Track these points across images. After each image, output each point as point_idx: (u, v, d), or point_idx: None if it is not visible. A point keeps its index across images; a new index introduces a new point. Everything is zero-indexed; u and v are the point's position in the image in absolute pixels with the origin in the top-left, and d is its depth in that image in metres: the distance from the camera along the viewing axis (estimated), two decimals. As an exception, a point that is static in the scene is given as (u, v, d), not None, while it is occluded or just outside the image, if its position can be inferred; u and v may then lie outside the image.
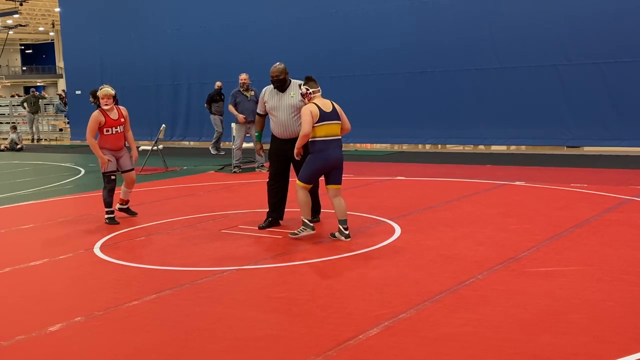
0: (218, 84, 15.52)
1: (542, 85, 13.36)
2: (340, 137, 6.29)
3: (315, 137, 6.15)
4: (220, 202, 8.59)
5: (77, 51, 21.15)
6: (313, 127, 6.09)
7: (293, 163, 6.77)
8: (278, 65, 6.81)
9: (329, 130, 6.18)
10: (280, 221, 6.92)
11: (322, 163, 6.18)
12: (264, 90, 6.96)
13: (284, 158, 6.79)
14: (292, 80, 6.89)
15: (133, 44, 19.55)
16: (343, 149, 6.44)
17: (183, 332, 3.97)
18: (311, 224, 6.24)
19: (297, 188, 6.27)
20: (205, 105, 15.63)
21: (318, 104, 6.19)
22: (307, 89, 6.28)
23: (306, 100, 6.28)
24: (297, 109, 6.67)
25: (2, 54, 42.08)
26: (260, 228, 6.75)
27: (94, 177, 11.86)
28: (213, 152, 15.54)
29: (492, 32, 13.79)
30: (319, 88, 6.32)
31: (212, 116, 15.50)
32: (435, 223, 6.71)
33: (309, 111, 6.13)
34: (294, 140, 6.46)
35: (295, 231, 6.30)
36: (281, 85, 6.78)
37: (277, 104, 6.78)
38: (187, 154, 15.73)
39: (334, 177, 6.26)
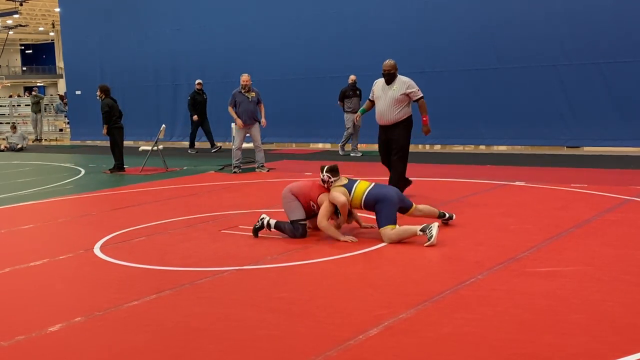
0: (352, 77, 13.98)
1: (542, 85, 13.36)
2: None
3: (364, 192, 6.12)
4: (220, 202, 8.58)
5: (77, 51, 21.15)
6: (354, 195, 6.12)
7: (394, 149, 8.00)
8: (390, 60, 7.99)
9: (364, 183, 6.24)
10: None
11: (394, 202, 6.09)
12: (375, 81, 8.23)
13: (385, 143, 8.13)
14: (399, 76, 7.99)
15: (133, 44, 19.56)
16: (344, 149, 6.45)
17: (183, 332, 3.96)
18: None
19: (387, 237, 5.93)
20: (338, 102, 14.07)
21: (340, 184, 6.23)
22: (329, 177, 6.22)
23: (326, 186, 6.23)
24: (395, 101, 7.89)
25: (2, 54, 42.09)
26: None
27: (93, 178, 11.88)
28: (341, 152, 13.98)
29: (492, 32, 13.80)
30: (340, 177, 6.30)
31: (345, 114, 13.96)
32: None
33: (334, 199, 6.07)
34: (390, 126, 7.98)
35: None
36: (390, 79, 7.96)
37: (381, 94, 8.02)
38: (187, 154, 15.73)
39: (404, 206, 6.29)
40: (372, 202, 6.07)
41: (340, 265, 5.38)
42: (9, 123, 23.45)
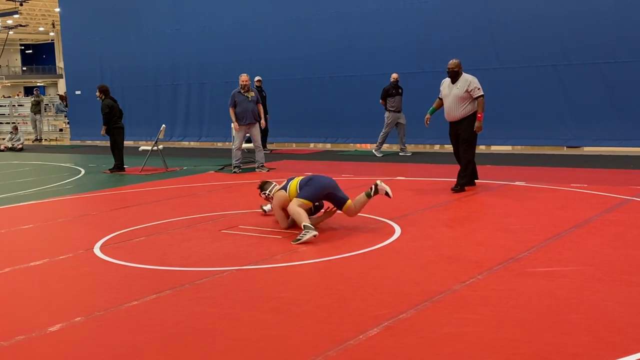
0: (394, 75, 13.71)
1: (542, 85, 13.37)
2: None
3: (297, 183, 6.51)
4: (220, 202, 8.59)
5: (77, 51, 21.17)
6: (289, 191, 6.50)
7: (460, 141, 8.56)
8: (454, 59, 8.51)
9: (298, 178, 6.63)
10: (476, 181, 8.80)
11: (320, 188, 6.46)
12: (443, 80, 8.71)
13: (454, 135, 8.67)
14: (464, 74, 8.45)
15: (133, 44, 19.57)
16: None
17: (183, 332, 3.96)
18: (312, 226, 6.18)
19: (290, 206, 6.33)
20: (381, 101, 13.67)
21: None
22: (266, 194, 6.97)
23: (271, 201, 6.86)
24: (460, 99, 8.39)
25: (2, 54, 42.10)
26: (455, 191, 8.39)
27: (93, 178, 11.88)
28: (378, 154, 13.70)
29: (492, 32, 13.81)
30: (274, 183, 7.03)
31: (387, 113, 13.60)
32: (435, 223, 6.70)
33: (279, 204, 6.55)
34: (456, 122, 8.52)
35: (298, 236, 6.15)
36: (454, 77, 8.46)
37: (448, 92, 8.54)
38: (187, 154, 15.73)
39: (338, 197, 6.54)
40: (303, 185, 6.46)
41: (340, 265, 5.38)
42: (9, 123, 23.45)
